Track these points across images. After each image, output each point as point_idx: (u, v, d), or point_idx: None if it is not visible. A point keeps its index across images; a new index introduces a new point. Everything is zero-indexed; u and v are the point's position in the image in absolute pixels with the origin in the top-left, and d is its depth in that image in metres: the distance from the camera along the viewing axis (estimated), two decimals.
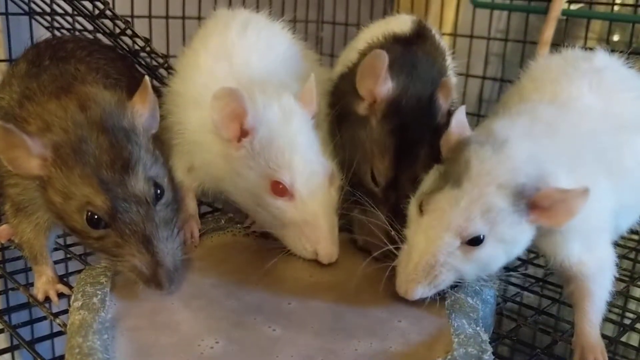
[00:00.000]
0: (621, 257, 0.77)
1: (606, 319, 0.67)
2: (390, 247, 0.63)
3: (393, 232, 0.63)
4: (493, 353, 0.54)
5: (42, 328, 0.74)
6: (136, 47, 0.96)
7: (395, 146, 0.69)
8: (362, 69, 0.71)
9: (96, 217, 0.57)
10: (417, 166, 0.69)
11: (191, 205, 0.75)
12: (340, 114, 0.75)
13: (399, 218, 0.65)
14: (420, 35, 0.82)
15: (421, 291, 0.59)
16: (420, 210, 0.60)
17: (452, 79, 0.89)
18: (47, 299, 0.69)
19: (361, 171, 0.70)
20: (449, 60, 0.88)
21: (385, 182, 0.69)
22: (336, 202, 0.69)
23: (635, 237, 0.92)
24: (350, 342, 0.56)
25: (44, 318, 0.67)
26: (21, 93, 0.66)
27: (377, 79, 0.70)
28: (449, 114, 0.75)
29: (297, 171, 0.65)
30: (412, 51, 0.78)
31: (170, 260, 0.59)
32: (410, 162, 0.69)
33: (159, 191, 0.60)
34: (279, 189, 0.65)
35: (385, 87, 0.70)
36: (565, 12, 1.07)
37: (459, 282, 0.61)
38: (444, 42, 0.91)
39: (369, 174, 0.70)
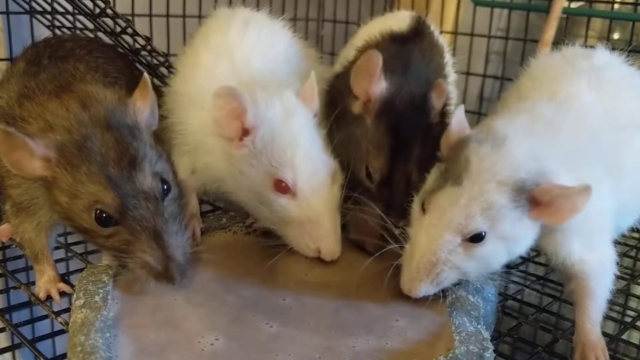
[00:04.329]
0: (622, 255, 0.76)
1: (607, 317, 0.66)
2: (395, 244, 0.62)
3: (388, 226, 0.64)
4: (494, 351, 0.54)
5: (44, 327, 0.74)
6: (137, 45, 0.97)
7: (389, 144, 0.70)
8: (357, 69, 0.71)
9: (105, 215, 0.56)
10: (410, 163, 0.70)
11: (193, 204, 0.75)
12: (337, 113, 0.75)
13: (392, 212, 0.67)
14: (418, 33, 0.82)
15: (424, 289, 0.59)
16: (423, 209, 0.60)
17: (452, 75, 0.89)
18: (49, 297, 0.69)
19: (356, 168, 0.71)
20: (447, 57, 0.88)
21: (380, 178, 0.70)
22: (338, 200, 0.69)
23: (636, 235, 0.92)
24: (348, 339, 0.56)
25: (45, 317, 0.67)
26: (20, 92, 0.66)
27: (371, 79, 0.70)
28: (444, 114, 0.76)
29: (299, 169, 0.66)
30: (407, 50, 0.78)
31: (181, 254, 0.59)
32: (404, 160, 0.70)
33: (165, 186, 0.60)
34: (282, 187, 0.66)
35: (379, 86, 0.71)
36: (565, 11, 1.07)
37: (462, 281, 0.61)
38: (443, 39, 0.91)
39: (364, 171, 0.71)
